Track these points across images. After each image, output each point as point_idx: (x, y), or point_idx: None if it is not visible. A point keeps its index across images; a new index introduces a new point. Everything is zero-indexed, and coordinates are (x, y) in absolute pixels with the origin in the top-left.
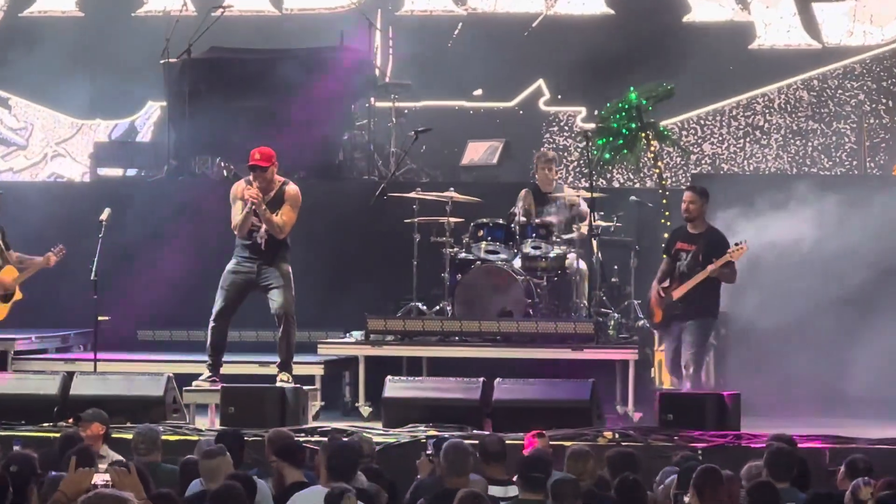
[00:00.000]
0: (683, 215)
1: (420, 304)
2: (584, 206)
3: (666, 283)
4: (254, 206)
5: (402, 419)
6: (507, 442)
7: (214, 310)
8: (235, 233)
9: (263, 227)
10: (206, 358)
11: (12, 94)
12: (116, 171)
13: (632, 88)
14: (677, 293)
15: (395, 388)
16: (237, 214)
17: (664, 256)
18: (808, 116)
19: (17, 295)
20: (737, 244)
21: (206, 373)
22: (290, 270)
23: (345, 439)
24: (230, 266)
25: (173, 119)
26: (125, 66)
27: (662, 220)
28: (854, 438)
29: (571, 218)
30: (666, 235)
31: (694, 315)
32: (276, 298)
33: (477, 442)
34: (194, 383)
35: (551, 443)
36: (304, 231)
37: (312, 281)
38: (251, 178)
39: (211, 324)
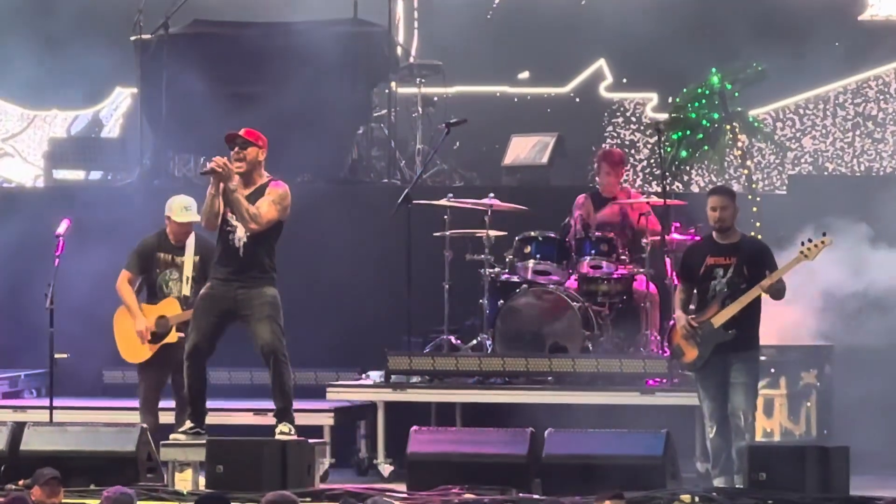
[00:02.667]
0: (716, 225)
1: (453, 338)
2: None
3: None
4: (219, 172)
5: (430, 480)
6: None
7: (186, 346)
8: (202, 224)
9: (242, 226)
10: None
11: None
12: (77, 174)
13: (714, 70)
14: (719, 318)
15: (421, 441)
16: None
17: (676, 280)
18: None
19: (172, 336)
20: (809, 240)
21: (188, 423)
22: (277, 296)
23: None
24: (203, 291)
25: (147, 109)
26: (88, 44)
27: (752, 233)
28: None
29: (640, 230)
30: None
31: (742, 346)
32: (259, 333)
33: None
34: (172, 436)
35: None
36: (308, 247)
37: (319, 310)
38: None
39: (185, 363)
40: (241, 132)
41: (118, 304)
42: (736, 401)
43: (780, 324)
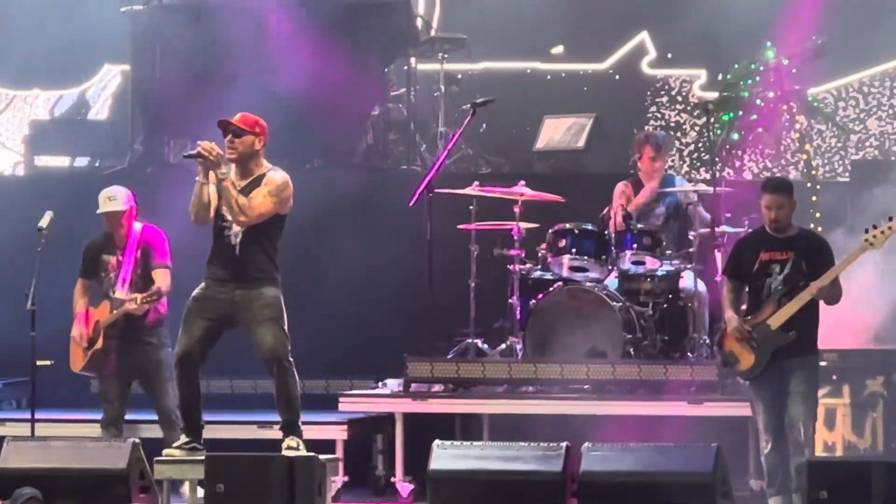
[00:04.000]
0: (771, 225)
1: (479, 342)
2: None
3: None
4: (205, 157)
5: (454, 499)
6: None
7: (176, 353)
8: (191, 219)
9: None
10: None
11: None
12: (61, 161)
13: (769, 44)
14: (777, 319)
15: (445, 456)
16: None
17: (726, 277)
18: None
19: (99, 342)
20: (874, 227)
21: (183, 438)
22: (280, 297)
23: None
24: (196, 292)
25: (139, 89)
26: (73, 16)
27: (812, 224)
28: None
29: (687, 222)
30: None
31: (801, 350)
32: (260, 338)
33: None
34: (166, 452)
35: None
36: (318, 242)
37: (330, 311)
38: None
39: (174, 372)
40: (237, 118)
41: None
42: (794, 411)
43: (846, 326)
